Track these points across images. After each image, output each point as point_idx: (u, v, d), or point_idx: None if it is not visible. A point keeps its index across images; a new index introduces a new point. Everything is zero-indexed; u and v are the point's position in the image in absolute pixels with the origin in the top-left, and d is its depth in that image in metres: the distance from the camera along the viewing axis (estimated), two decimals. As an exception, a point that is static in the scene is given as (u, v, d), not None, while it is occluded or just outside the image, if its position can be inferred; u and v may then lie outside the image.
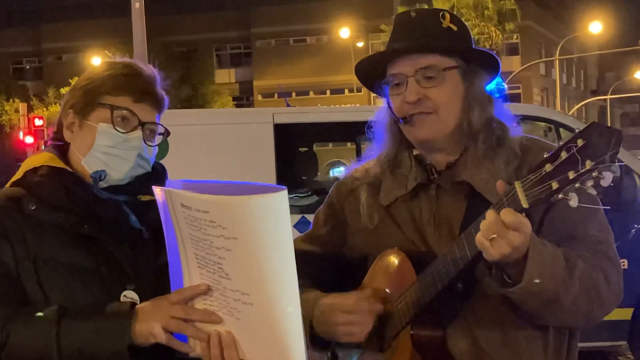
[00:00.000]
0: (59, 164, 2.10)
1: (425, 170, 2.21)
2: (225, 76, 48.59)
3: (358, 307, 2.13)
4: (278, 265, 1.71)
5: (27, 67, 50.05)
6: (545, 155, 1.80)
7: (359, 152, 8.87)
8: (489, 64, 2.20)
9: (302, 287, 2.27)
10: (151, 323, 1.86)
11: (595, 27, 35.73)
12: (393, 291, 2.18)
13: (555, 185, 1.76)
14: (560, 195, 1.76)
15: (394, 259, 2.19)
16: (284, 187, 1.67)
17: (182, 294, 1.86)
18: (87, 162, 2.09)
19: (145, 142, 2.09)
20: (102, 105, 2.08)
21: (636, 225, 6.71)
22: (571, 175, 1.73)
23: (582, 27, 40.60)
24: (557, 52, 37.84)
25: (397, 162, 2.25)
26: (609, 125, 1.78)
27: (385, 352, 2.20)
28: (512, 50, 45.91)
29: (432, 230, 2.17)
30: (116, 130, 2.06)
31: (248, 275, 1.74)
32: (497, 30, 34.12)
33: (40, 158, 2.12)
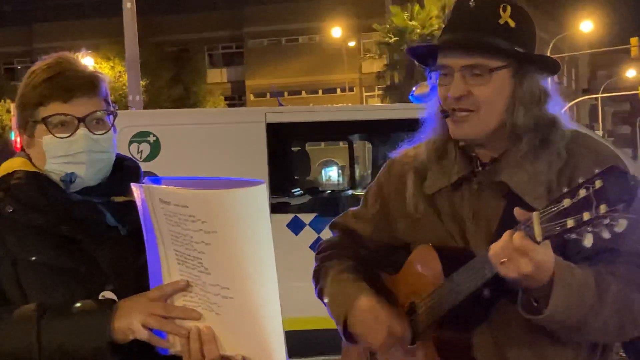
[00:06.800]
0: (32, 168, 2.10)
1: (470, 162, 2.18)
2: (217, 76, 48.51)
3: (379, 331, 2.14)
4: (257, 258, 1.71)
5: (19, 68, 49.81)
6: (596, 171, 1.70)
7: (351, 152, 8.89)
8: (545, 66, 2.15)
9: (346, 270, 2.27)
10: (130, 319, 1.86)
11: (587, 25, 35.85)
12: (420, 291, 2.17)
13: (570, 224, 1.71)
14: (573, 235, 1.72)
15: (425, 257, 2.18)
16: (262, 180, 1.69)
17: (161, 291, 1.87)
18: (50, 173, 2.08)
19: (94, 134, 2.05)
20: (36, 121, 2.06)
21: None
22: (586, 216, 1.68)
23: (573, 26, 40.69)
24: (549, 50, 37.92)
25: (443, 151, 2.22)
26: (627, 171, 1.69)
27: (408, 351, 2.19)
28: (504, 49, 45.91)
29: (471, 225, 2.14)
30: (59, 137, 2.04)
31: (228, 269, 1.74)
32: (488, 29, 34.09)
33: (14, 163, 2.12)
